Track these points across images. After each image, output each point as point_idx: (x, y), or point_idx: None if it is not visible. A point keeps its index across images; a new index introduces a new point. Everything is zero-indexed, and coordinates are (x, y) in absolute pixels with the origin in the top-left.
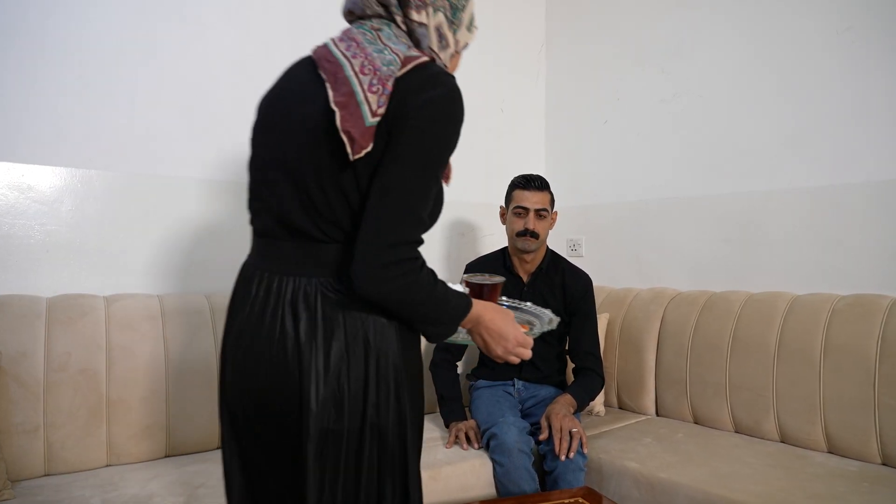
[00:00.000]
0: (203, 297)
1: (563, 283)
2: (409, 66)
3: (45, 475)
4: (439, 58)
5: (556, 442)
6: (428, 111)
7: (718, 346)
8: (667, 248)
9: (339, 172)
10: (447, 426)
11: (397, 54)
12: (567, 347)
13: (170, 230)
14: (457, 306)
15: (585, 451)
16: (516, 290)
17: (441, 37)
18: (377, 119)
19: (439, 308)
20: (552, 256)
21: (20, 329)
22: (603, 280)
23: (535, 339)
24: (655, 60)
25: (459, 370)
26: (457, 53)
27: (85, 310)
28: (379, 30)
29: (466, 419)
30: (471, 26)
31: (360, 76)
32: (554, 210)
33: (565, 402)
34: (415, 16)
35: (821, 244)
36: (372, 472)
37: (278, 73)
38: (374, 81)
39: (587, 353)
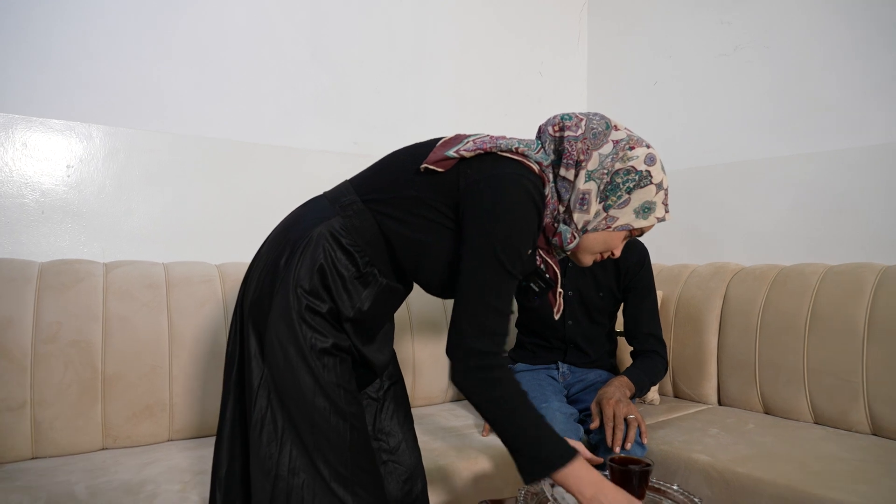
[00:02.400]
0: (213, 266)
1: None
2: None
3: (32, 458)
4: (571, 218)
5: (608, 431)
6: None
7: (794, 325)
8: (726, 220)
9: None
10: None
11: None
12: (624, 328)
13: (178, 193)
14: (548, 455)
15: (645, 441)
16: (562, 263)
17: (583, 201)
18: (457, 155)
19: (518, 439)
20: None
21: (7, 294)
22: (654, 257)
23: (578, 314)
24: (713, 9)
25: None
26: (608, 229)
27: (80, 276)
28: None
29: None
30: (644, 213)
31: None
32: None
33: (620, 384)
34: (562, 171)
35: None
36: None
37: (295, 32)
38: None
39: (648, 334)
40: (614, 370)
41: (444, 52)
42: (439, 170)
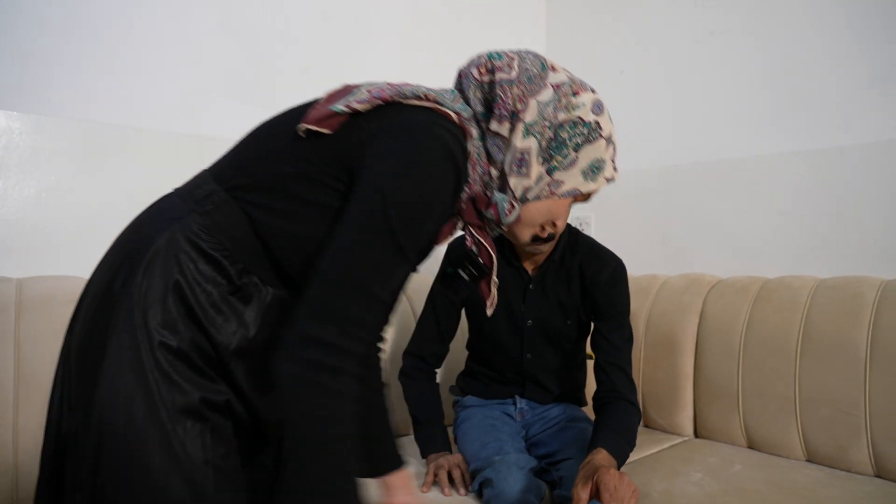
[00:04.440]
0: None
1: (581, 274)
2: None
3: None
4: (507, 184)
5: None
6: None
7: (782, 347)
8: (701, 225)
9: None
10: (424, 457)
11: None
12: (593, 358)
13: (43, 189)
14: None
15: None
16: (518, 287)
17: (522, 162)
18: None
19: (312, 484)
20: (570, 237)
21: None
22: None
23: (539, 346)
24: None
25: (439, 379)
26: (553, 196)
27: None
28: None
29: (450, 450)
30: (593, 173)
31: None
32: None
33: (600, 463)
34: (493, 125)
35: None
36: None
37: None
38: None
39: (619, 371)
40: (580, 402)
41: (387, 28)
42: (325, 131)
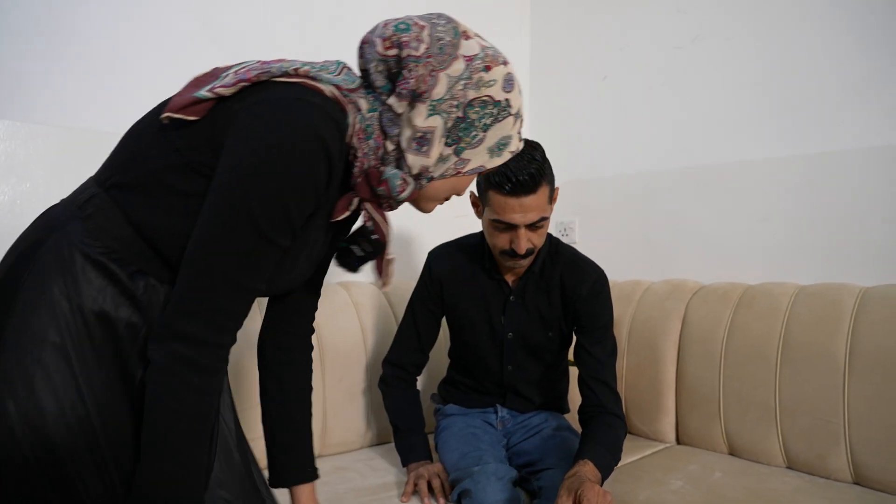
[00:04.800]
0: None
1: (562, 286)
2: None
3: None
4: (404, 160)
5: None
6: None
7: (763, 354)
8: (684, 230)
9: None
10: (404, 466)
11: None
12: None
13: (24, 196)
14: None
15: None
16: (499, 299)
17: (423, 141)
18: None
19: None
20: (551, 248)
21: None
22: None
23: (519, 358)
24: None
25: (420, 386)
26: (458, 174)
27: None
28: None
29: (430, 459)
30: (500, 149)
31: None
32: (555, 190)
33: (586, 476)
34: (392, 100)
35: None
36: None
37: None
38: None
39: (603, 386)
40: (562, 409)
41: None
42: (190, 118)
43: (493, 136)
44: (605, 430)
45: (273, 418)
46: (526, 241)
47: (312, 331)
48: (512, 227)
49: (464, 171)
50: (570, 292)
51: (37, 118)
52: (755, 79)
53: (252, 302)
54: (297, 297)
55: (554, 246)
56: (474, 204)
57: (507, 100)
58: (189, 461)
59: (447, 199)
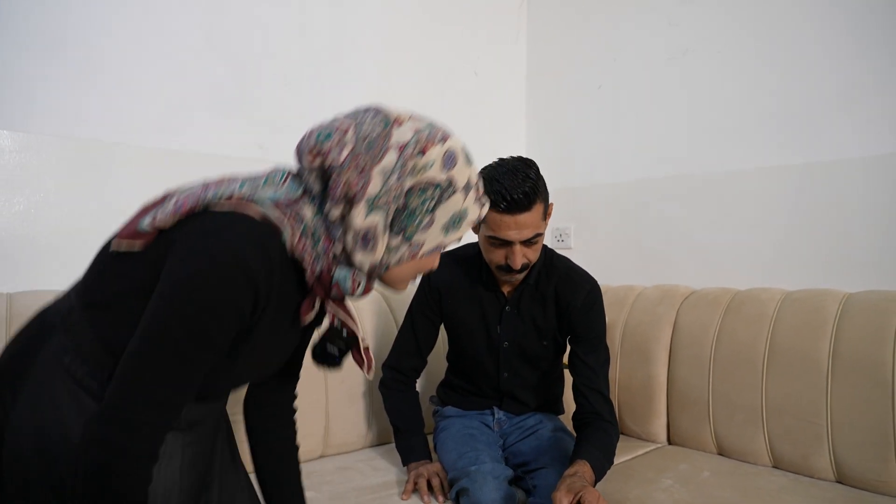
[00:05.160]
0: None
1: (557, 298)
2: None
3: None
4: (352, 260)
5: None
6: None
7: (750, 358)
8: (675, 237)
9: None
10: (405, 465)
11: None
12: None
13: (31, 205)
14: None
15: None
16: (495, 309)
17: (367, 240)
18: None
19: None
20: (546, 260)
21: None
22: (597, 276)
23: (515, 366)
24: (662, 8)
25: (419, 387)
26: (415, 258)
27: None
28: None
29: (430, 459)
30: (456, 225)
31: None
32: (549, 206)
33: (584, 478)
34: (328, 206)
35: (881, 227)
36: None
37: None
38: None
39: (597, 394)
40: (557, 411)
41: (365, 44)
42: (135, 249)
43: (442, 216)
44: (601, 435)
45: (266, 480)
46: (521, 257)
47: (294, 410)
48: (507, 244)
49: (420, 253)
50: (565, 303)
51: (49, 130)
52: (744, 91)
53: (177, 413)
54: (275, 382)
55: (549, 258)
56: None
57: (448, 179)
58: None
59: (417, 275)
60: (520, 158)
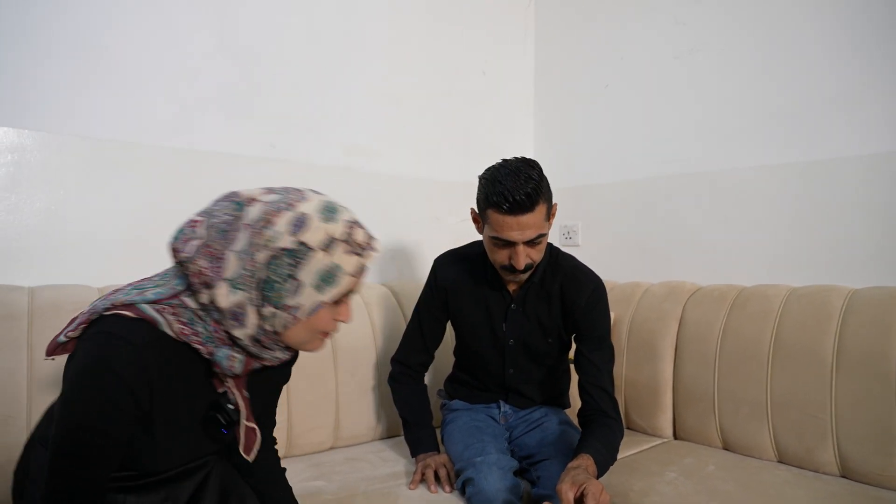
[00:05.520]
0: (95, 289)
1: (562, 296)
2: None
3: None
4: (232, 337)
5: None
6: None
7: (755, 353)
8: (681, 235)
9: None
10: (413, 457)
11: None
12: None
13: (50, 203)
14: None
15: None
16: (500, 307)
17: (237, 316)
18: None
19: None
20: (551, 258)
21: None
22: (604, 273)
23: (521, 363)
24: (668, 8)
25: (427, 381)
26: (299, 320)
27: None
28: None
29: (437, 450)
30: (330, 281)
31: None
32: (553, 206)
33: (588, 471)
34: (199, 297)
35: (886, 223)
36: None
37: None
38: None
39: (602, 392)
40: (563, 405)
41: (374, 44)
42: (63, 356)
43: (307, 277)
44: (605, 431)
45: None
46: (524, 258)
47: (275, 440)
48: (510, 244)
49: (301, 315)
50: (569, 302)
51: (69, 130)
52: (750, 89)
53: (100, 491)
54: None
55: (554, 256)
56: (474, 220)
57: (298, 242)
58: None
59: (328, 332)
60: (523, 159)
